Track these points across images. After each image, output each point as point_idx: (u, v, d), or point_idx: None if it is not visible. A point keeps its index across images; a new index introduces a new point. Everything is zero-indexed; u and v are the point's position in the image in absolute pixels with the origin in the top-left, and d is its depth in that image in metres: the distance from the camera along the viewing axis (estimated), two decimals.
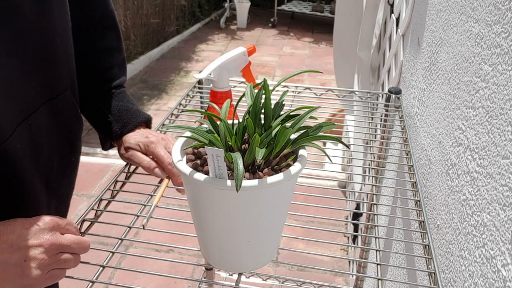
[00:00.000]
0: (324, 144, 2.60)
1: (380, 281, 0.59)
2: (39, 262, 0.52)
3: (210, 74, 0.92)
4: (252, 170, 0.51)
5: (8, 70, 0.56)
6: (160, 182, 0.77)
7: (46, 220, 0.54)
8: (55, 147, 0.69)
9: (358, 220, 1.85)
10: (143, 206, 0.72)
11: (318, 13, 5.85)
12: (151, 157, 0.77)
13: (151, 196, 0.75)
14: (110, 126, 0.80)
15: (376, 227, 0.72)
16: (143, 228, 0.63)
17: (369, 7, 1.79)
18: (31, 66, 0.60)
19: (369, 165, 0.91)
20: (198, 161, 0.53)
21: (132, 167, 0.81)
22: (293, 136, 0.54)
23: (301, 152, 0.54)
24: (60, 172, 0.72)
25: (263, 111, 0.54)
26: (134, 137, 0.78)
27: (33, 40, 0.59)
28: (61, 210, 0.76)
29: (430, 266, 0.62)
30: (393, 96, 1.07)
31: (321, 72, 0.56)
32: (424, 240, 0.66)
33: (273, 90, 0.55)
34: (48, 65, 0.64)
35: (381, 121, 1.06)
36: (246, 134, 0.54)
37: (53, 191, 0.70)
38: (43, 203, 0.67)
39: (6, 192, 0.59)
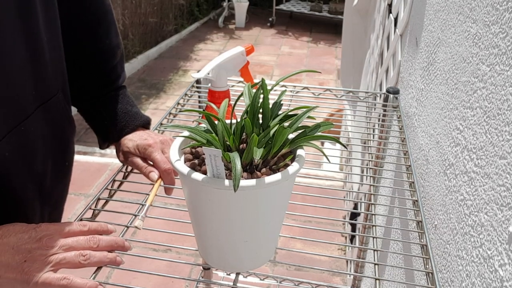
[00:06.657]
0: (322, 144, 2.60)
1: (377, 281, 0.59)
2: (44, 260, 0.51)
3: (208, 74, 0.92)
4: (250, 170, 0.51)
5: None
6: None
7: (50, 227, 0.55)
8: (48, 152, 0.67)
9: (356, 220, 1.85)
10: (141, 206, 0.71)
11: (317, 13, 5.86)
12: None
13: (149, 195, 0.74)
14: (107, 129, 0.79)
15: (374, 227, 0.72)
16: (137, 228, 0.63)
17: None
18: (22, 69, 0.58)
19: (367, 165, 0.91)
20: (196, 161, 0.53)
21: (130, 167, 0.81)
22: (291, 136, 0.54)
23: (299, 151, 0.54)
24: (54, 177, 0.70)
25: (261, 110, 0.54)
26: (132, 140, 0.77)
27: (20, 42, 0.57)
28: (55, 216, 0.75)
29: (427, 266, 0.62)
30: (391, 96, 1.07)
31: (320, 72, 0.56)
32: (422, 240, 0.66)
33: (271, 89, 0.55)
34: (38, 67, 0.62)
35: (379, 121, 1.06)
36: (244, 133, 0.54)
37: (47, 197, 0.69)
38: (36, 210, 0.66)
39: None
